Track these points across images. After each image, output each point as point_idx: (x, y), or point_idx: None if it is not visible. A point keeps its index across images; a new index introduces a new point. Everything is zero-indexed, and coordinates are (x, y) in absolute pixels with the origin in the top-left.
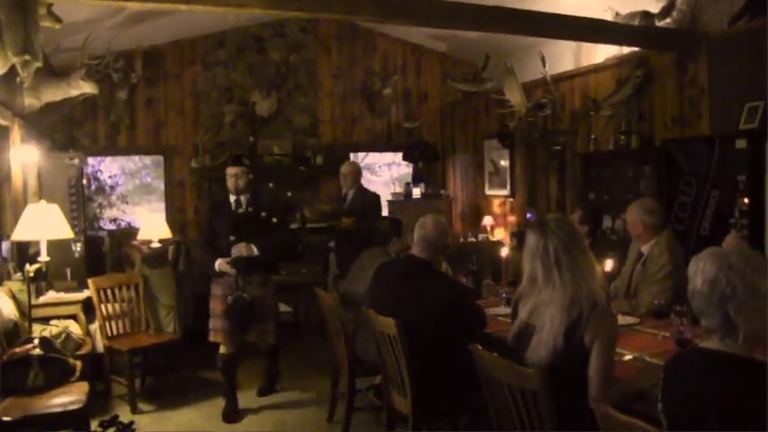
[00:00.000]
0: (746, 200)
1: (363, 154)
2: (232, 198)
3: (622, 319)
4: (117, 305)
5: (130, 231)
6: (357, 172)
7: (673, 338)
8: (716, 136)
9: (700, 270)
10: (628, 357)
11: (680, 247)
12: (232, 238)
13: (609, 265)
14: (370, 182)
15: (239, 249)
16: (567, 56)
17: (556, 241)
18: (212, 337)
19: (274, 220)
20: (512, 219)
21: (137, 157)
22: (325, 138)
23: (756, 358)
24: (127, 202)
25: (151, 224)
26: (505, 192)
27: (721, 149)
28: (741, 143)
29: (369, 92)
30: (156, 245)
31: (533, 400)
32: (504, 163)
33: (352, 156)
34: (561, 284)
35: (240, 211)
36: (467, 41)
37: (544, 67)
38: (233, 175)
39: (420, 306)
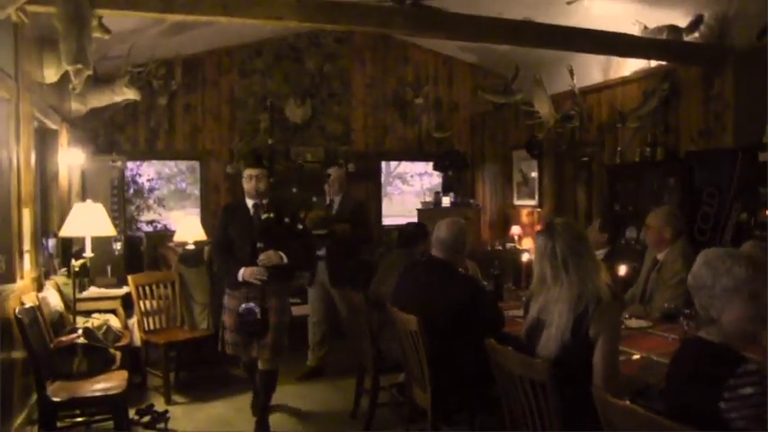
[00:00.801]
0: None
1: (396, 163)
2: (249, 202)
3: (635, 323)
4: (154, 301)
5: (166, 233)
6: (345, 177)
7: (680, 340)
8: (738, 149)
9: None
10: (636, 357)
11: (694, 255)
12: (260, 245)
13: (623, 270)
14: (402, 191)
15: (269, 257)
16: (595, 68)
17: (563, 243)
18: (227, 350)
19: (300, 226)
20: (539, 228)
21: (172, 163)
22: (357, 145)
23: (731, 347)
24: (164, 206)
25: (187, 226)
26: (533, 202)
27: (744, 162)
28: (764, 156)
29: (400, 101)
30: (191, 247)
31: (542, 391)
32: (533, 173)
33: (383, 164)
34: (568, 283)
35: (263, 216)
36: (497, 53)
37: (572, 79)
38: (252, 177)
39: (439, 302)
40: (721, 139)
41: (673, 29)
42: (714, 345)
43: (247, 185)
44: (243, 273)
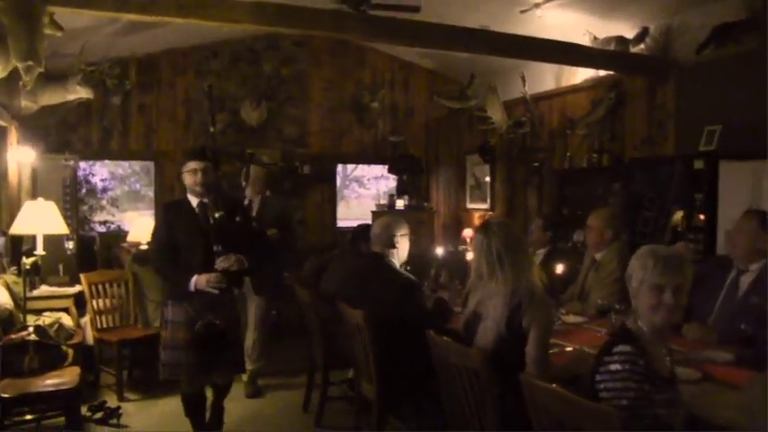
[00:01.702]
0: (702, 216)
1: (353, 166)
2: (193, 200)
3: (572, 318)
4: (107, 300)
5: (120, 234)
6: (265, 177)
7: (607, 333)
8: (677, 156)
9: None
10: (569, 349)
11: (629, 255)
12: (217, 248)
13: (560, 268)
14: (359, 195)
15: (230, 262)
16: (547, 76)
17: (498, 241)
18: (166, 375)
19: (254, 224)
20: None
21: (126, 164)
22: (313, 148)
23: (630, 327)
24: (117, 207)
25: (141, 227)
26: (486, 205)
27: (681, 169)
28: (699, 164)
29: (357, 105)
30: (144, 247)
31: (477, 379)
32: (486, 178)
33: (341, 167)
34: (503, 278)
35: (216, 215)
36: (454, 60)
37: (525, 86)
38: (197, 171)
39: (377, 292)
40: (663, 147)
41: (621, 40)
42: (625, 329)
43: (190, 180)
44: (196, 281)
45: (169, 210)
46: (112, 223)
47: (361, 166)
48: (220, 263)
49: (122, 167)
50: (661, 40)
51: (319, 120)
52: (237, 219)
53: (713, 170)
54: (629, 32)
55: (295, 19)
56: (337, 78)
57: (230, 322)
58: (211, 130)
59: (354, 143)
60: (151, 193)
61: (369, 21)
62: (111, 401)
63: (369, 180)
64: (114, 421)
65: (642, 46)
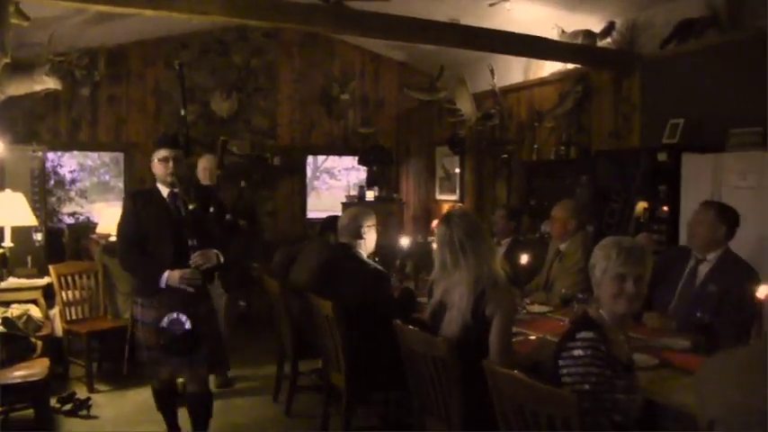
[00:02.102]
0: (665, 208)
1: (323, 158)
2: (164, 190)
3: (537, 308)
4: (77, 292)
5: (89, 225)
6: (216, 168)
7: (570, 321)
8: (642, 149)
9: None
10: (533, 337)
11: (593, 245)
12: (192, 242)
13: (524, 258)
14: (330, 186)
15: (207, 257)
16: (516, 69)
17: (460, 231)
18: (147, 375)
19: (228, 216)
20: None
21: (95, 155)
22: (283, 140)
23: (591, 315)
24: (86, 198)
25: (110, 219)
26: (455, 197)
27: (646, 162)
28: (662, 156)
29: (327, 97)
30: (114, 239)
31: (443, 367)
32: (455, 169)
33: (311, 159)
34: (466, 267)
35: (190, 207)
36: (424, 52)
37: (493, 79)
38: (169, 159)
39: (345, 283)
40: (629, 139)
41: (588, 34)
42: (587, 316)
43: (160, 170)
44: (168, 277)
45: (137, 199)
46: (81, 215)
47: (332, 157)
48: (196, 258)
49: (91, 158)
50: (627, 34)
51: (289, 111)
52: (211, 210)
53: (676, 162)
54: (597, 26)
55: (265, 11)
56: (307, 70)
57: (206, 318)
58: (182, 113)
59: (324, 135)
60: (121, 184)
61: (338, 13)
62: (81, 393)
63: (339, 171)
64: (84, 412)
65: (609, 40)
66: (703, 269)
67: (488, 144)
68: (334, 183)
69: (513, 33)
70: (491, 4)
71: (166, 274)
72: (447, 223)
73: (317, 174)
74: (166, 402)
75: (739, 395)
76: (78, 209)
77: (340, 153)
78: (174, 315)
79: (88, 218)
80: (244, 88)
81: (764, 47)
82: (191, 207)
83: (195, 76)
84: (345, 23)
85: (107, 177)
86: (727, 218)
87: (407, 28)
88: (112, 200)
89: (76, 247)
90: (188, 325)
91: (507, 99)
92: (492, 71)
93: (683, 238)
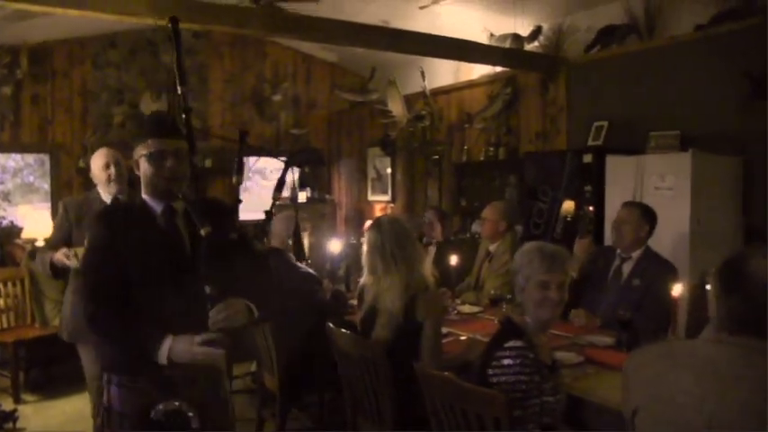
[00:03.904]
0: (591, 208)
1: (254, 159)
2: (155, 205)
3: (468, 308)
4: (2, 300)
5: (13, 230)
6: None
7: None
8: (569, 150)
9: None
10: (463, 337)
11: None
12: (209, 290)
13: (454, 260)
14: (262, 187)
15: (235, 312)
16: (447, 71)
17: (390, 238)
18: None
19: (234, 235)
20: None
21: (18, 156)
22: (214, 141)
23: (516, 321)
24: (9, 201)
25: (36, 223)
26: (387, 197)
27: (572, 163)
28: (588, 158)
29: (258, 98)
30: (40, 243)
31: (375, 369)
32: (387, 170)
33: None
34: (397, 273)
35: (203, 232)
36: (356, 54)
37: (424, 81)
38: (163, 155)
39: (277, 287)
40: (556, 141)
41: (516, 37)
42: (511, 323)
43: (153, 172)
44: (172, 348)
45: (113, 222)
46: (4, 218)
47: (263, 158)
48: (216, 316)
49: (15, 160)
50: (553, 38)
51: (220, 112)
52: (233, 236)
53: (600, 164)
54: (525, 30)
55: (195, 13)
56: (238, 71)
57: (218, 409)
58: (179, 90)
59: (256, 136)
60: (46, 186)
61: (269, 16)
62: (6, 405)
63: (271, 172)
64: (10, 425)
65: (536, 43)
66: (627, 267)
67: (419, 145)
68: (265, 183)
69: (443, 36)
70: (422, 7)
71: (168, 342)
72: (377, 230)
73: (249, 175)
74: None
75: (660, 386)
76: (1, 212)
77: (271, 155)
78: (176, 404)
79: (12, 222)
80: (174, 89)
81: (679, 54)
82: (203, 232)
83: (124, 76)
84: (276, 26)
85: (31, 179)
86: (649, 217)
87: (338, 31)
88: (37, 201)
89: (0, 253)
90: (195, 423)
91: (438, 101)
92: (423, 73)
93: (608, 239)
